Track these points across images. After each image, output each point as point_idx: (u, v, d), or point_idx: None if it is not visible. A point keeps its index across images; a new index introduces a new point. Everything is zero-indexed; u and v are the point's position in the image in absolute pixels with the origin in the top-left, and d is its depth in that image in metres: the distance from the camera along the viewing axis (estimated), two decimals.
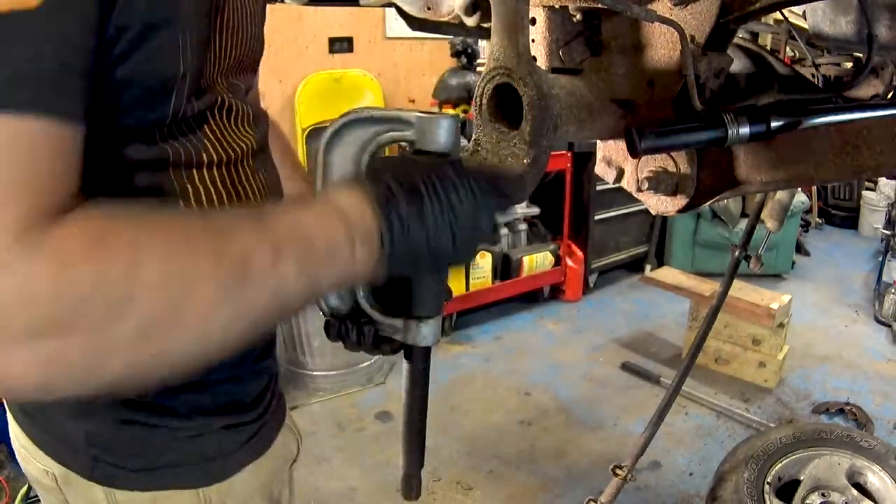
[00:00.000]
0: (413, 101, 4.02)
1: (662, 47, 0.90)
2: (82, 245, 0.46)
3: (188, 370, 0.51)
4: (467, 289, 3.79)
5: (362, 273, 0.58)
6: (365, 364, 3.29)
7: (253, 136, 0.73)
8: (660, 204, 0.97)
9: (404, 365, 0.88)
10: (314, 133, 3.73)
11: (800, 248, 5.04)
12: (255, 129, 0.75)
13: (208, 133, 0.66)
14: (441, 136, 0.66)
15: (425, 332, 0.82)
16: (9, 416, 0.82)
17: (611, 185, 1.07)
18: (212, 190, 0.66)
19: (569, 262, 4.18)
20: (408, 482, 0.98)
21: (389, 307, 0.73)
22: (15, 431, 0.82)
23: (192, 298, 0.48)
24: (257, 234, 0.52)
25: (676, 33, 0.83)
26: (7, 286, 0.43)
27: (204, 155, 0.65)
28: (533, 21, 0.96)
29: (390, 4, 1.24)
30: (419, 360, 0.85)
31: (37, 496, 0.87)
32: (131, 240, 0.47)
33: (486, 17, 0.87)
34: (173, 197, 0.63)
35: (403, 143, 0.68)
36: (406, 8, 1.20)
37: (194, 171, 0.65)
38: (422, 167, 0.61)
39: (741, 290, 3.21)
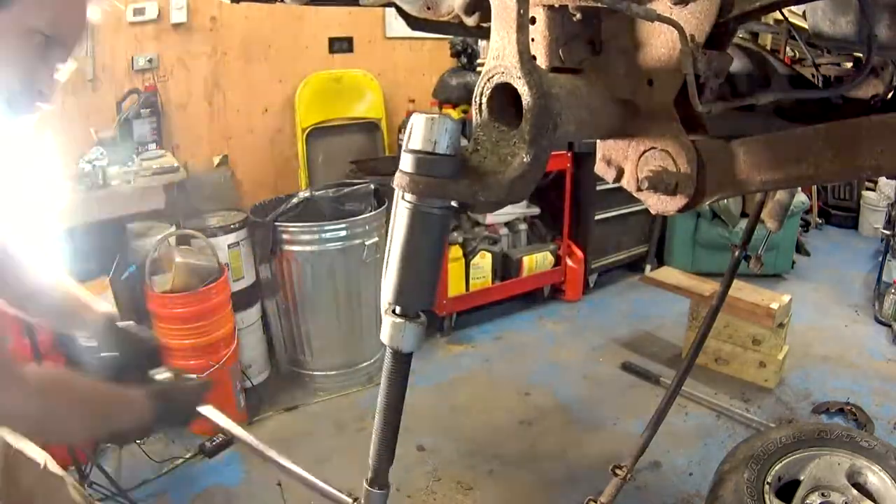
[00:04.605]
0: (413, 101, 4.02)
1: (662, 47, 0.89)
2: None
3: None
4: (467, 289, 3.79)
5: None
6: (365, 364, 3.29)
7: None
8: (660, 204, 0.97)
9: (385, 365, 0.93)
10: (314, 133, 3.73)
11: (800, 248, 5.04)
12: None
13: None
14: None
15: (407, 336, 0.86)
16: None
17: (611, 185, 1.07)
18: None
19: (569, 262, 4.18)
20: (375, 477, 1.04)
21: None
22: None
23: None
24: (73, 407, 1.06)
25: (676, 33, 0.83)
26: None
27: None
28: (533, 20, 0.96)
29: (390, 4, 1.24)
30: (401, 363, 0.91)
31: None
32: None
33: (486, 17, 0.87)
34: None
35: None
36: (406, 8, 1.20)
37: None
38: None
39: (741, 290, 3.21)
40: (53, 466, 1.32)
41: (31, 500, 1.25)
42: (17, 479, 1.24)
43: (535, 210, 4.15)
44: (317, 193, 3.12)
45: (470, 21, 0.95)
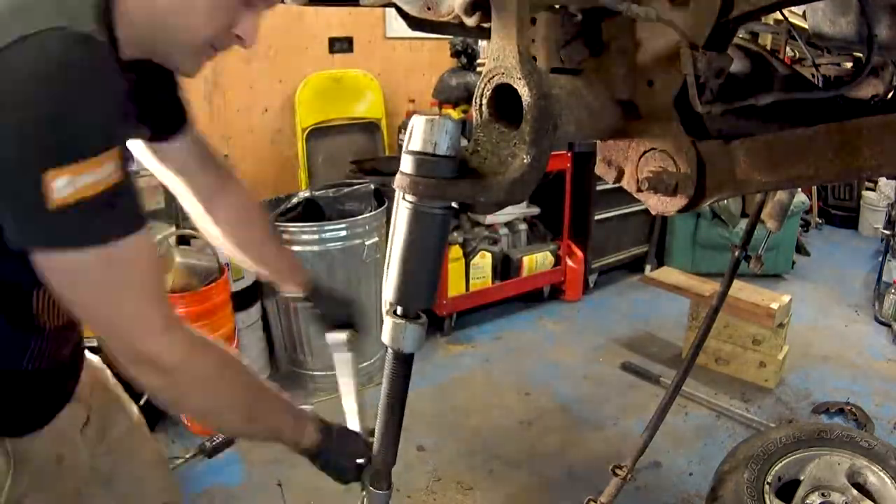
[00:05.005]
0: (413, 101, 4.02)
1: (662, 47, 0.90)
2: (207, 361, 0.93)
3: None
4: (467, 289, 3.79)
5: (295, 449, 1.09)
6: (365, 364, 3.28)
7: None
8: (660, 204, 0.97)
9: (386, 366, 0.93)
10: (314, 133, 3.73)
11: (800, 248, 5.04)
12: None
13: None
14: None
15: (409, 337, 0.87)
16: None
17: (611, 185, 1.07)
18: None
19: (569, 262, 4.18)
20: (378, 476, 1.05)
21: None
22: None
23: (227, 414, 1.01)
24: (266, 412, 1.05)
25: (676, 33, 0.83)
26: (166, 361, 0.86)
27: None
28: (533, 21, 0.96)
29: (390, 4, 1.24)
30: (403, 364, 0.92)
31: None
32: (224, 370, 0.96)
33: (486, 17, 0.87)
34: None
35: None
36: (406, 8, 1.20)
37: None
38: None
39: (741, 290, 3.21)
40: (142, 424, 1.33)
41: (119, 447, 1.25)
42: (107, 425, 1.23)
43: (535, 210, 4.15)
44: (317, 193, 3.12)
45: (470, 21, 0.95)
